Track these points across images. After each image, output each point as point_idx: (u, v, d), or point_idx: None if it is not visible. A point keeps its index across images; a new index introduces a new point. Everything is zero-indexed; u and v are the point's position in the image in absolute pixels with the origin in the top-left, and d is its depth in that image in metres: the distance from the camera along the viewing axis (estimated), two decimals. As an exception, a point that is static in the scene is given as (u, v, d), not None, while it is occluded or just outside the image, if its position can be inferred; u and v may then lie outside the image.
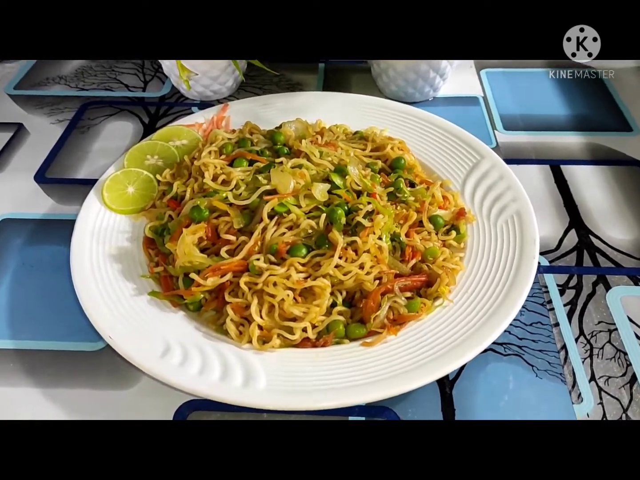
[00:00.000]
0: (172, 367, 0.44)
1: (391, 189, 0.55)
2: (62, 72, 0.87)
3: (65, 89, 0.84)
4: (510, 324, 0.49)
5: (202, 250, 0.51)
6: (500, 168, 0.60)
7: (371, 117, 0.69)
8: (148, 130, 0.75)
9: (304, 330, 0.47)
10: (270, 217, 0.51)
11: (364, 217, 0.50)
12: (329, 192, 0.53)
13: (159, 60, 0.78)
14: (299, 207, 0.51)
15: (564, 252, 0.57)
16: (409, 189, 0.57)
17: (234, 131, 0.65)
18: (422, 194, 0.56)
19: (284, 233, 0.50)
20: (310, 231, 0.51)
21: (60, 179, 0.68)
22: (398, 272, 0.50)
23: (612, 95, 0.78)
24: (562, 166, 0.66)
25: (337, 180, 0.53)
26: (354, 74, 0.85)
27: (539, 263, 0.55)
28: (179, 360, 0.44)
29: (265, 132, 0.64)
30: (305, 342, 0.47)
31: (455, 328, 0.47)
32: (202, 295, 0.49)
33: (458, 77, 0.82)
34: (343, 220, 0.50)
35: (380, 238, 0.50)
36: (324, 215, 0.50)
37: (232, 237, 0.51)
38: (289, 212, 0.51)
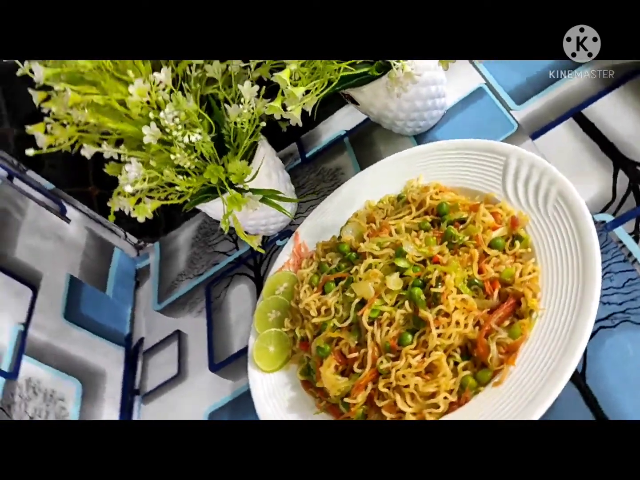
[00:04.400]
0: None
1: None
2: (180, 268, 1.07)
3: (190, 281, 1.03)
4: (605, 294, 0.54)
5: (343, 373, 0.63)
6: (528, 158, 0.64)
7: (403, 172, 0.77)
8: (258, 282, 0.90)
9: (445, 398, 0.56)
10: (371, 323, 0.62)
11: (437, 284, 0.59)
12: (402, 275, 0.62)
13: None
14: (386, 304, 0.61)
15: (621, 197, 0.60)
16: (461, 227, 0.64)
17: (311, 257, 0.78)
18: (473, 229, 0.63)
19: (388, 331, 0.61)
20: (404, 317, 0.60)
21: (227, 359, 0.85)
22: (489, 308, 0.58)
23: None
24: (583, 111, 0.69)
25: (402, 264, 0.62)
26: (374, 130, 0.93)
27: (604, 222, 0.59)
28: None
29: (331, 243, 0.76)
30: (452, 407, 0.56)
31: (559, 328, 0.53)
32: (361, 410, 0.61)
33: (456, 77, 0.86)
34: (422, 297, 0.59)
35: (460, 292, 0.58)
36: (407, 302, 0.60)
37: (356, 354, 0.62)
38: (382, 312, 0.61)
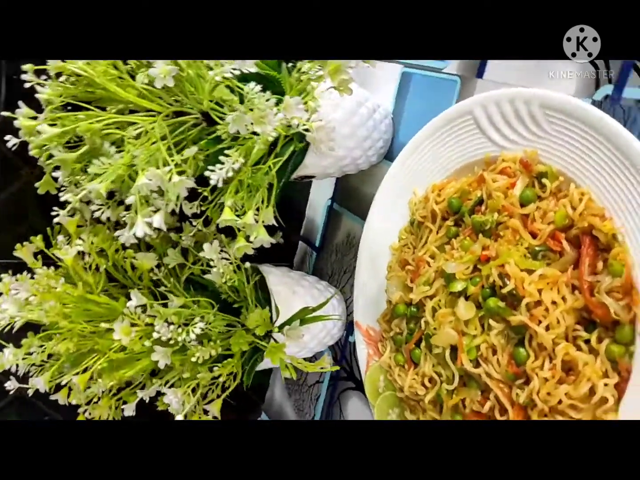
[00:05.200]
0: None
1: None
2: (295, 422, 1.02)
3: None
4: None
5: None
6: (489, 97, 0.56)
7: (398, 199, 0.70)
8: (362, 387, 0.83)
9: (606, 385, 0.46)
10: (477, 364, 0.53)
11: (503, 281, 0.50)
12: (467, 297, 0.54)
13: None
14: (475, 335, 0.53)
15: (604, 62, 0.51)
16: (483, 209, 0.56)
17: (382, 336, 0.70)
18: (495, 203, 0.54)
19: (498, 360, 0.51)
20: (502, 335, 0.51)
21: None
22: (572, 264, 0.48)
23: None
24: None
25: (458, 287, 0.54)
26: (349, 180, 0.88)
27: (607, 96, 0.50)
28: None
29: (387, 311, 0.68)
30: (620, 387, 0.46)
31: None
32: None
33: (376, 80, 0.81)
34: (500, 303, 0.50)
35: (531, 271, 0.49)
36: (491, 320, 0.51)
37: (488, 404, 0.53)
38: (478, 347, 0.52)
